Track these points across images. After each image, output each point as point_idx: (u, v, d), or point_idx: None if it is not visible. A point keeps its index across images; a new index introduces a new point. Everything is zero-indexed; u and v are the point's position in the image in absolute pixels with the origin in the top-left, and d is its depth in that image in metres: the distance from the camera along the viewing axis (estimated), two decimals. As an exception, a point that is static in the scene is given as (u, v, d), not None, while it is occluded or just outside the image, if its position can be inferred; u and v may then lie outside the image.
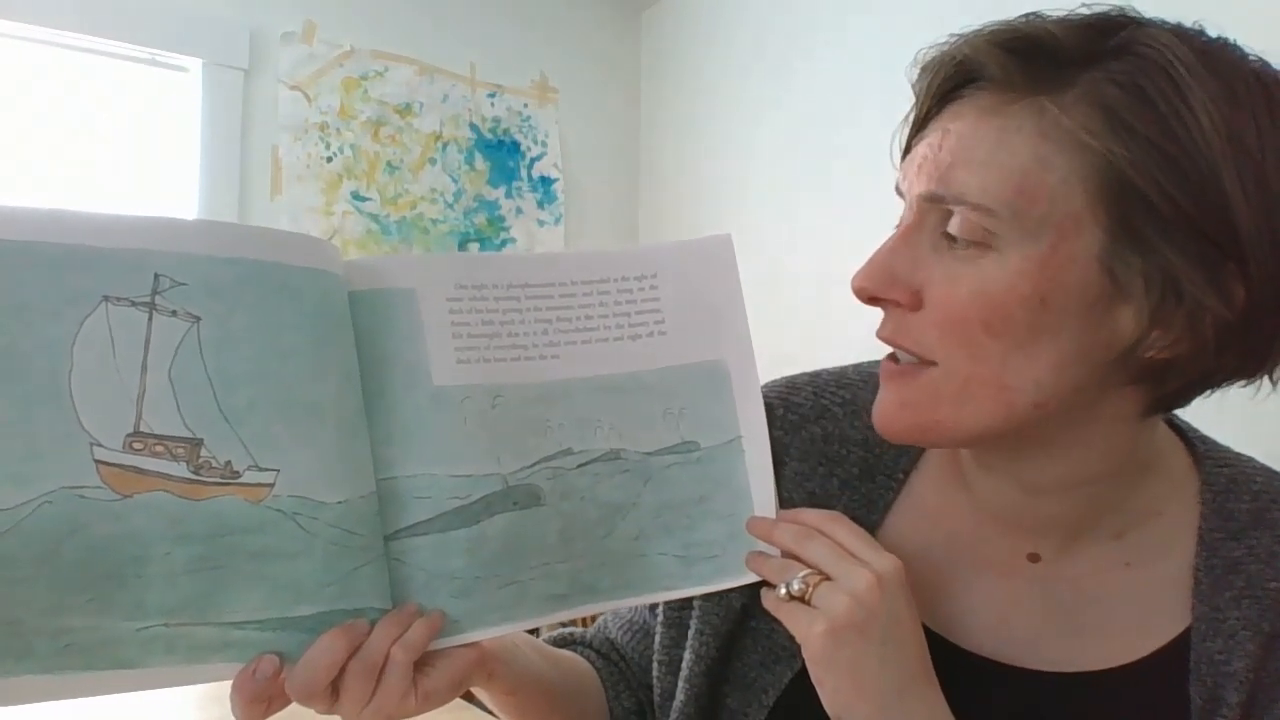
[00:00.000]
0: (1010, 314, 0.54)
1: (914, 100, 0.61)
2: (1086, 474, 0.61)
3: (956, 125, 0.56)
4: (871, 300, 0.59)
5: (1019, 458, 0.62)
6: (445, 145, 2.58)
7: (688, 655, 0.71)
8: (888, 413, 0.60)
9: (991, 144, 0.54)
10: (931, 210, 0.57)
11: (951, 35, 0.58)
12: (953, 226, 0.55)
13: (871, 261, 0.58)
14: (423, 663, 0.57)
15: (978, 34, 0.56)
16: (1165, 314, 0.53)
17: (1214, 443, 0.69)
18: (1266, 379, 0.59)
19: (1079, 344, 0.54)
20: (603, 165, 2.90)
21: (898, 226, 0.60)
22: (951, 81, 0.58)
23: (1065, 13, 0.56)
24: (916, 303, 0.57)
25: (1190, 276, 0.51)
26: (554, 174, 2.76)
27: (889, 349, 0.61)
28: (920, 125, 0.60)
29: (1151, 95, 0.51)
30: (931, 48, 0.59)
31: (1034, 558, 0.66)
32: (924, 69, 0.59)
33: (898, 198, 0.61)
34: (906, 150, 0.61)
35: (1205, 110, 0.50)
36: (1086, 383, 0.56)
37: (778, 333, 2.01)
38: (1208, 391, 0.59)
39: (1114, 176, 0.51)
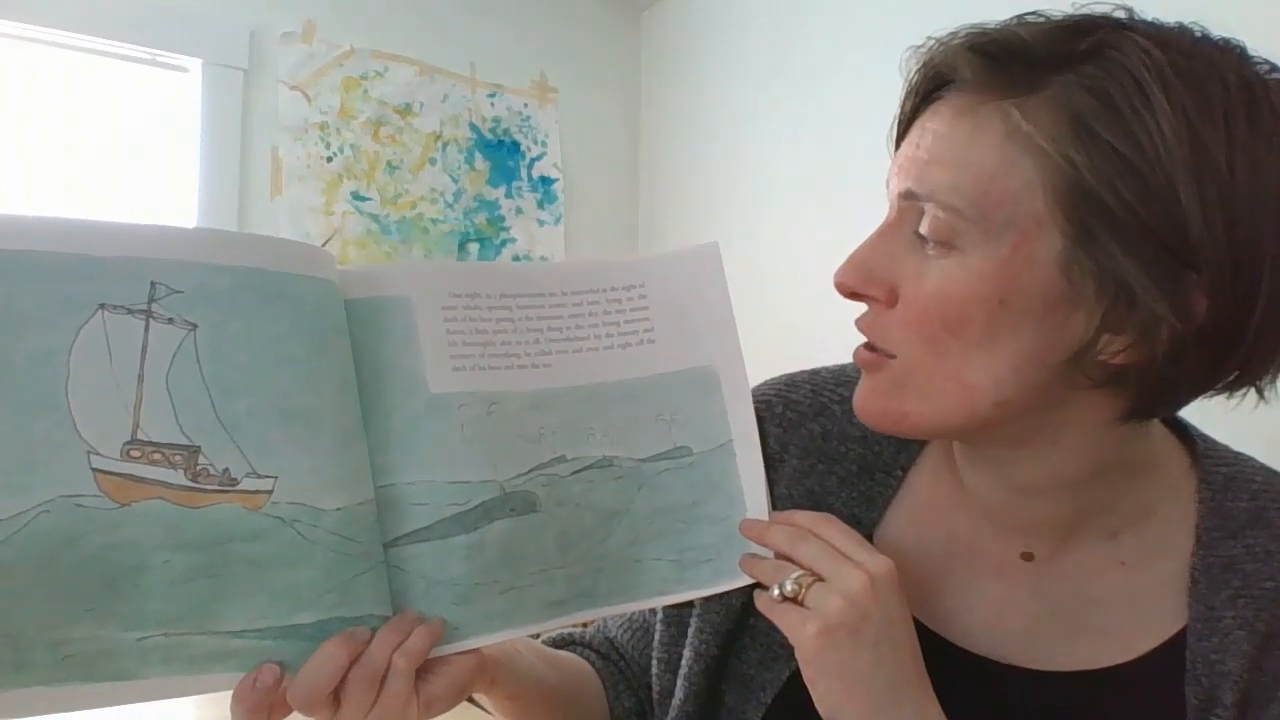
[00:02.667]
0: (969, 314, 0.55)
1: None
2: (1069, 475, 0.62)
3: (934, 124, 0.57)
4: (852, 295, 0.60)
5: (1002, 457, 0.62)
6: (445, 145, 2.57)
7: (687, 653, 0.72)
8: (863, 398, 0.62)
9: (964, 144, 0.55)
10: (910, 208, 0.58)
11: (929, 39, 0.59)
12: (923, 226, 0.56)
13: (851, 258, 0.60)
14: (424, 670, 0.57)
15: (953, 37, 0.58)
16: (1117, 318, 0.53)
17: (1213, 441, 0.69)
18: (1254, 392, 0.59)
19: (1037, 345, 0.55)
20: (603, 165, 2.89)
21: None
22: (931, 83, 0.59)
23: (1056, 14, 0.57)
24: (892, 299, 0.58)
25: (1142, 283, 0.51)
26: (554, 174, 2.76)
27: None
28: (906, 125, 0.61)
29: (1117, 101, 0.51)
30: (919, 46, 0.60)
31: (1027, 556, 0.66)
32: (909, 70, 0.61)
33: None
34: (897, 148, 0.62)
35: (1168, 119, 0.50)
36: (1047, 384, 0.56)
37: (777, 334, 2.01)
38: (1183, 402, 0.59)
39: (1073, 181, 0.52)
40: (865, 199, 0.61)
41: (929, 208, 0.56)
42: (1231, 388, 0.58)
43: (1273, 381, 0.58)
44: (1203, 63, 0.52)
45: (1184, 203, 0.50)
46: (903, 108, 0.62)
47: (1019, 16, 0.57)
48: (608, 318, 0.65)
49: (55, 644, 0.48)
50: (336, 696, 0.54)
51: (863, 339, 0.62)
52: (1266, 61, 0.55)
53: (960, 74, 0.56)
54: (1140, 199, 0.51)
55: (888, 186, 0.61)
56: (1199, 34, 0.55)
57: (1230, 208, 0.51)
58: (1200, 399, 0.59)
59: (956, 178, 0.55)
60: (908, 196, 0.57)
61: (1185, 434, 0.69)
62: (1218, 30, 0.56)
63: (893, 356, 0.59)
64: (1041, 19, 0.56)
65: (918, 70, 0.60)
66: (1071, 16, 0.56)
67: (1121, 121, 0.51)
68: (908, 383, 0.58)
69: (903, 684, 0.57)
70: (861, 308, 0.61)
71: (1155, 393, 0.57)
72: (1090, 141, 0.51)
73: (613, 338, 0.65)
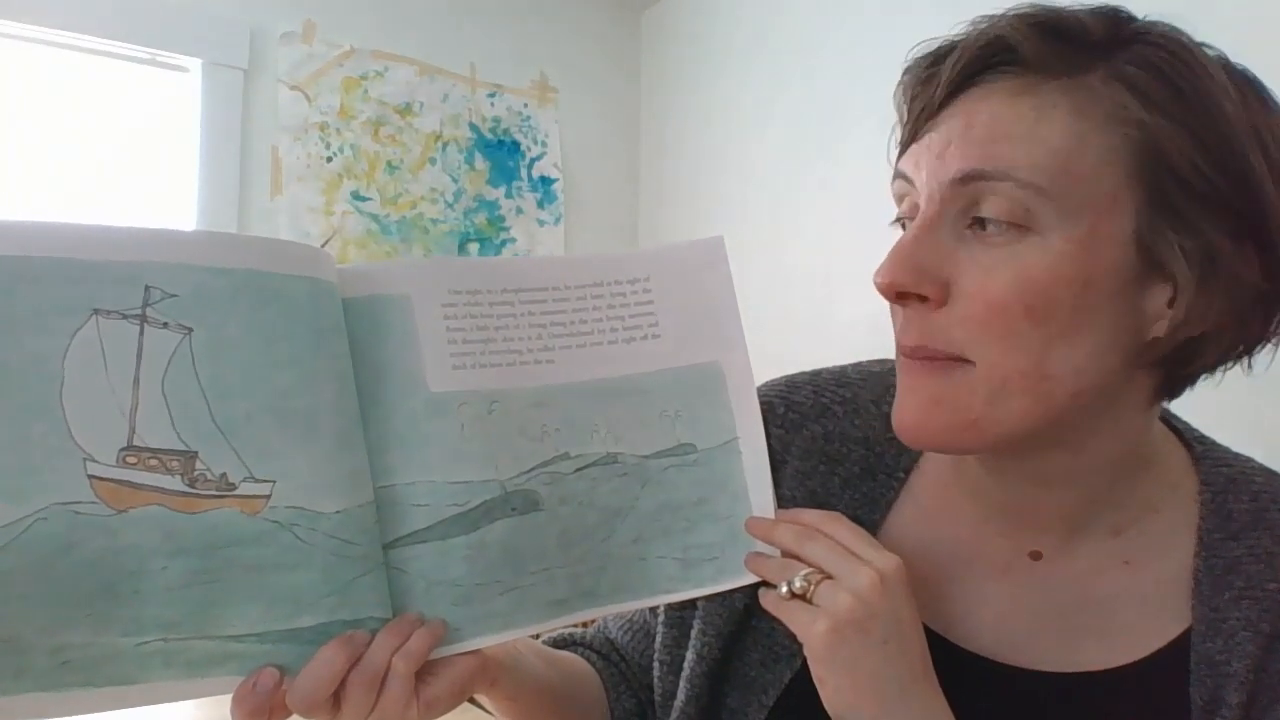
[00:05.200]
0: (1056, 298, 0.53)
1: (909, 96, 0.60)
2: (1094, 464, 0.61)
3: (986, 105, 0.55)
4: (899, 297, 0.57)
5: (1034, 456, 0.61)
6: (445, 145, 2.57)
7: (690, 655, 0.71)
8: (919, 411, 0.57)
9: (1030, 121, 0.53)
10: (956, 197, 0.55)
11: (979, 17, 0.58)
12: (988, 209, 0.54)
13: (896, 255, 0.56)
14: (424, 671, 0.57)
15: (1005, 17, 0.56)
16: (1206, 288, 0.53)
17: (1212, 442, 0.69)
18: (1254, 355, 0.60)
19: (1117, 327, 0.55)
20: (603, 165, 2.89)
21: (898, 220, 0.60)
22: (972, 66, 0.56)
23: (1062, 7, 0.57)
24: (943, 296, 0.55)
25: (1225, 249, 0.52)
26: (554, 174, 2.75)
27: (894, 350, 0.61)
28: (933, 114, 0.58)
29: (1174, 78, 0.52)
30: (924, 43, 0.60)
31: (1035, 555, 0.66)
32: (934, 58, 0.59)
33: (896, 192, 0.61)
34: (909, 142, 0.60)
35: (1225, 92, 0.52)
36: (1119, 366, 0.56)
37: (778, 333, 2.00)
38: (1217, 370, 0.59)
39: (1149, 153, 0.52)
40: (866, 198, 0.60)
41: (1004, 188, 0.53)
42: (1236, 358, 0.59)
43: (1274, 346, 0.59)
44: (1213, 53, 0.55)
45: (1252, 165, 0.52)
46: (933, 93, 0.58)
47: (1012, 11, 0.57)
48: (612, 312, 0.64)
49: (54, 649, 0.48)
50: (337, 699, 0.54)
51: (882, 351, 0.61)
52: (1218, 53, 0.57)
53: (1021, 51, 0.54)
54: (1214, 167, 0.52)
55: (906, 178, 0.59)
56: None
57: (1275, 167, 0.53)
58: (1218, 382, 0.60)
59: (1032, 153, 0.53)
60: (968, 179, 0.54)
61: (1182, 436, 0.69)
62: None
63: (968, 362, 0.55)
64: (1077, 9, 0.57)
65: (959, 54, 0.57)
66: (1100, 8, 0.56)
67: (1180, 94, 0.52)
68: (978, 387, 0.55)
69: (910, 683, 0.57)
70: (873, 322, 0.60)
71: (1212, 362, 0.57)
72: (1161, 113, 0.52)
73: (617, 332, 0.64)
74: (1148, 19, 0.56)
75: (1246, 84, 0.56)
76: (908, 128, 0.60)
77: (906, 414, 0.58)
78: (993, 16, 0.57)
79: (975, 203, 0.54)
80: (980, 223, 0.55)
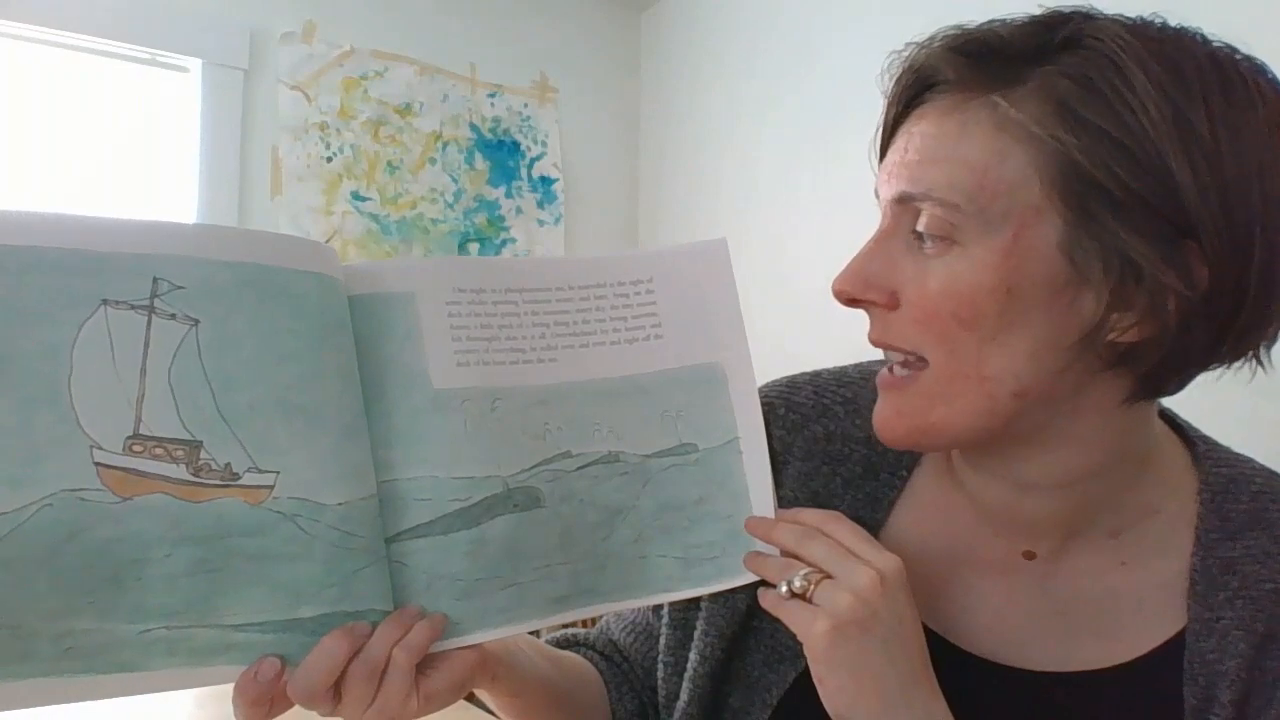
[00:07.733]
0: (979, 305, 0.55)
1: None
2: (1078, 468, 0.61)
3: (920, 127, 0.58)
4: (851, 302, 0.60)
5: (1010, 455, 0.62)
6: (445, 145, 2.57)
7: (693, 656, 0.72)
8: (886, 421, 0.62)
9: (953, 140, 0.56)
10: (904, 212, 0.58)
11: (909, 44, 0.60)
12: (920, 224, 0.57)
13: (849, 266, 0.60)
14: (424, 665, 0.57)
15: (932, 41, 0.59)
16: (1125, 295, 0.54)
17: (1215, 443, 0.69)
18: (1249, 363, 0.59)
19: (1049, 331, 0.55)
20: (603, 165, 2.90)
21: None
22: (913, 89, 0.60)
23: (1025, 14, 0.58)
24: (894, 303, 0.59)
25: (1147, 256, 0.52)
26: (554, 174, 2.76)
27: (884, 355, 0.62)
28: (890, 133, 0.62)
29: (1099, 85, 0.53)
30: (896, 54, 0.61)
31: (1029, 555, 0.66)
32: (889, 78, 0.62)
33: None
34: (883, 157, 0.63)
35: (1150, 97, 0.51)
36: (1064, 369, 0.57)
37: (779, 333, 2.01)
38: (1190, 377, 0.59)
39: (1067, 164, 0.53)
40: (866, 198, 0.61)
41: (926, 206, 0.56)
42: (1231, 359, 0.58)
43: (1269, 347, 0.59)
44: (1172, 44, 0.54)
45: (1176, 174, 0.51)
46: (885, 116, 0.62)
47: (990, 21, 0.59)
48: (615, 313, 0.64)
49: (58, 636, 0.48)
50: (337, 690, 0.54)
51: (866, 360, 0.62)
52: (1225, 44, 0.56)
53: (943, 75, 0.57)
54: (1133, 175, 0.52)
55: (877, 196, 0.62)
56: (1160, 22, 0.56)
57: (1219, 175, 0.52)
58: (1203, 377, 0.59)
59: (951, 173, 0.55)
60: (902, 199, 0.58)
61: (1185, 434, 0.69)
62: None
63: (923, 364, 0.58)
64: (1013, 20, 0.58)
65: (898, 76, 0.60)
66: (1041, 14, 0.57)
67: (1105, 103, 0.52)
68: (933, 392, 0.58)
69: (911, 683, 0.57)
70: (860, 327, 0.61)
71: (1164, 368, 0.57)
72: (1078, 124, 0.52)
73: (619, 333, 0.64)
74: (1104, 18, 0.56)
75: (1216, 79, 0.54)
76: (881, 148, 0.64)
77: (878, 421, 0.63)
78: (923, 41, 0.60)
79: (915, 217, 0.58)
80: (920, 236, 0.57)
